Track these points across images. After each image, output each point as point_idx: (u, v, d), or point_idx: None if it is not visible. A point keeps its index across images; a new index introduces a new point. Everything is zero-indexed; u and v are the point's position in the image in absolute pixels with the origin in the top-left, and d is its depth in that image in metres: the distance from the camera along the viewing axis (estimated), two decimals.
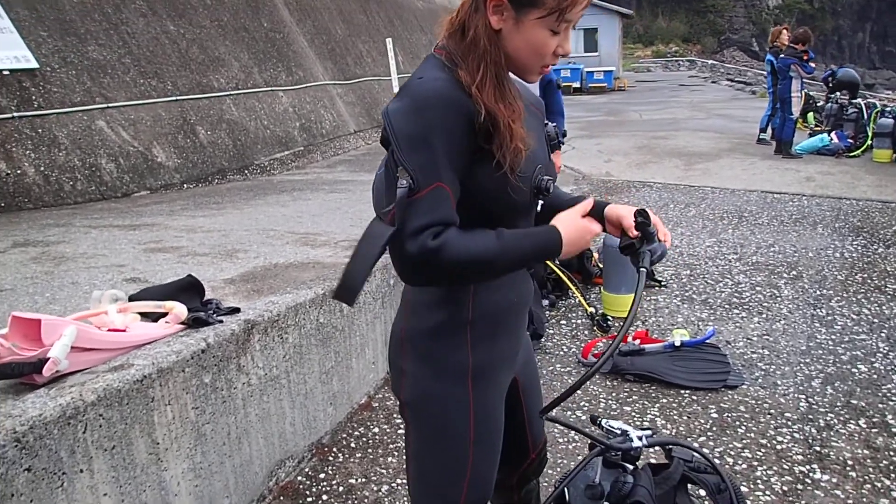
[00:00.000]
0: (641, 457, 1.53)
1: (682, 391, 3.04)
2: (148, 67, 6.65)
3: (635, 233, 1.25)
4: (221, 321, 2.11)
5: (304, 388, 2.47)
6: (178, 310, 2.01)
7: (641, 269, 1.22)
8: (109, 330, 1.84)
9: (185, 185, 6.33)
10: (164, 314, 2.04)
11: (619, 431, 1.54)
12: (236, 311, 2.22)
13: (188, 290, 2.26)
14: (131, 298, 2.16)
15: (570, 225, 1.23)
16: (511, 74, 1.26)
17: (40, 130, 5.34)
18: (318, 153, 8.75)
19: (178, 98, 6.82)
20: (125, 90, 6.25)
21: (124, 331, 1.86)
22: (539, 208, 1.41)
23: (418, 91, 1.15)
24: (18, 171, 5.06)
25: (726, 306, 4.03)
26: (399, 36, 13.45)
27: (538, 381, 1.61)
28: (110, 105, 6.00)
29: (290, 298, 2.42)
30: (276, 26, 9.27)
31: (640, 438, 1.50)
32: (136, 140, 6.11)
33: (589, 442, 1.61)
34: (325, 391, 2.62)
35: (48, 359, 1.59)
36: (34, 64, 5.49)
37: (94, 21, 6.29)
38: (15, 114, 5.20)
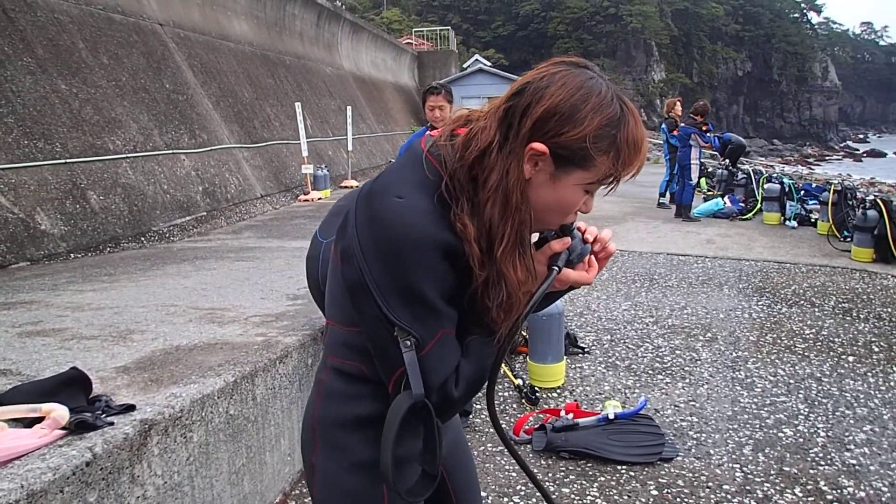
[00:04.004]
0: None
1: (620, 467, 2.91)
2: (34, 128, 6.14)
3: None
4: (112, 423, 1.79)
5: (211, 494, 2.15)
6: (58, 413, 1.69)
7: (553, 268, 1.07)
8: None
9: (72, 255, 5.79)
10: (41, 419, 1.70)
11: None
12: (131, 408, 1.91)
13: (71, 385, 1.92)
14: None
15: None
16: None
17: None
18: (223, 218, 8.35)
19: (68, 161, 6.32)
20: (6, 152, 5.72)
21: None
22: None
23: (396, 230, 0.98)
24: None
25: (650, 372, 4.01)
26: (308, 100, 13.36)
27: (471, 464, 1.45)
28: None
29: (195, 389, 2.12)
30: (180, 88, 8.94)
31: None
32: (17, 206, 5.56)
33: None
34: (235, 494, 2.30)
35: None
36: None
37: None
38: None
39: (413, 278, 0.98)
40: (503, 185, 1.01)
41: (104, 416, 1.81)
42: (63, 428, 1.70)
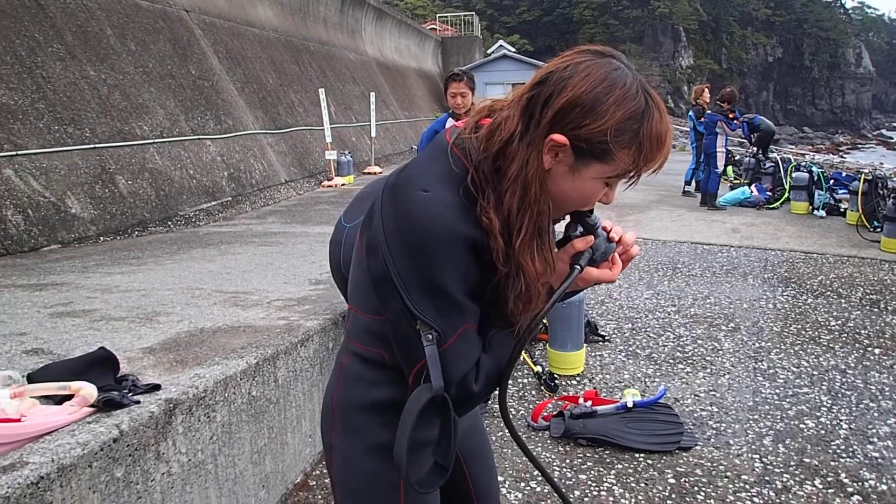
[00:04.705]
0: None
1: (637, 455, 2.92)
2: (64, 114, 6.26)
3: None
4: (138, 401, 1.84)
5: (234, 472, 2.20)
6: (86, 391, 1.74)
7: (575, 267, 1.07)
8: (0, 420, 1.55)
9: (101, 238, 5.91)
10: (70, 396, 1.76)
11: None
12: (156, 388, 1.96)
13: (99, 364, 1.98)
14: (31, 378, 1.87)
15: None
16: None
17: None
18: (248, 203, 8.45)
19: (97, 146, 6.43)
20: (38, 137, 5.84)
21: (19, 420, 1.58)
22: None
23: (422, 224, 0.98)
24: None
25: (670, 361, 3.99)
26: (331, 86, 13.40)
27: (487, 448, 1.46)
28: (20, 153, 5.58)
29: (218, 371, 2.17)
30: (205, 74, 9.02)
31: None
32: (48, 190, 5.68)
33: None
34: (257, 473, 2.35)
35: None
36: None
37: (6, 64, 5.90)
38: None
39: (438, 273, 0.99)
40: (522, 176, 1.00)
41: (131, 394, 1.86)
42: (91, 405, 1.75)
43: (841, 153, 39.10)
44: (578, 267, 1.07)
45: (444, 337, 1.01)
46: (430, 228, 0.98)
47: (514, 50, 32.91)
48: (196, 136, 8.12)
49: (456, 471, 1.35)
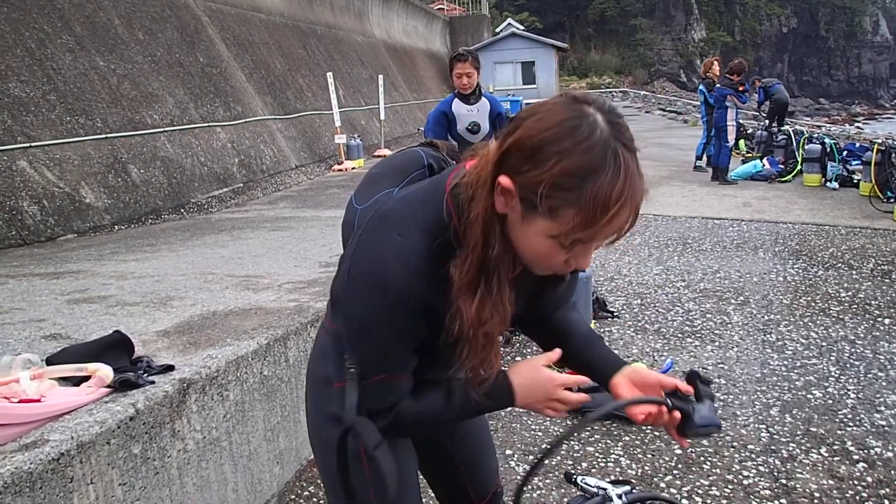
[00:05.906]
0: None
1: (644, 427, 2.96)
2: (75, 104, 6.33)
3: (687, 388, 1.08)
4: (153, 382, 1.91)
5: (248, 449, 2.27)
6: (103, 372, 1.81)
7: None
8: (21, 401, 1.62)
9: (115, 227, 6.01)
10: (87, 377, 1.83)
11: (596, 490, 1.42)
12: (170, 368, 2.03)
13: (115, 347, 2.05)
14: (49, 361, 1.94)
15: (528, 384, 1.09)
16: None
17: None
18: (259, 189, 8.52)
19: (109, 136, 6.51)
20: (50, 128, 5.92)
21: (39, 401, 1.65)
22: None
23: (379, 268, 0.96)
24: None
25: (679, 335, 4.01)
26: (339, 70, 13.39)
27: (481, 423, 1.47)
28: (33, 144, 5.66)
29: (230, 351, 2.23)
30: (213, 61, 9.06)
31: (619, 497, 1.38)
32: (62, 181, 5.77)
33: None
34: (271, 450, 2.42)
35: None
36: None
37: (16, 57, 5.97)
38: None
39: (373, 322, 1.00)
40: (475, 215, 0.94)
41: (146, 375, 1.93)
42: (108, 386, 1.82)
43: (857, 124, 38.41)
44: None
45: (365, 376, 1.07)
46: (384, 281, 0.96)
47: (523, 28, 32.60)
48: (206, 124, 8.18)
49: (440, 452, 1.40)
